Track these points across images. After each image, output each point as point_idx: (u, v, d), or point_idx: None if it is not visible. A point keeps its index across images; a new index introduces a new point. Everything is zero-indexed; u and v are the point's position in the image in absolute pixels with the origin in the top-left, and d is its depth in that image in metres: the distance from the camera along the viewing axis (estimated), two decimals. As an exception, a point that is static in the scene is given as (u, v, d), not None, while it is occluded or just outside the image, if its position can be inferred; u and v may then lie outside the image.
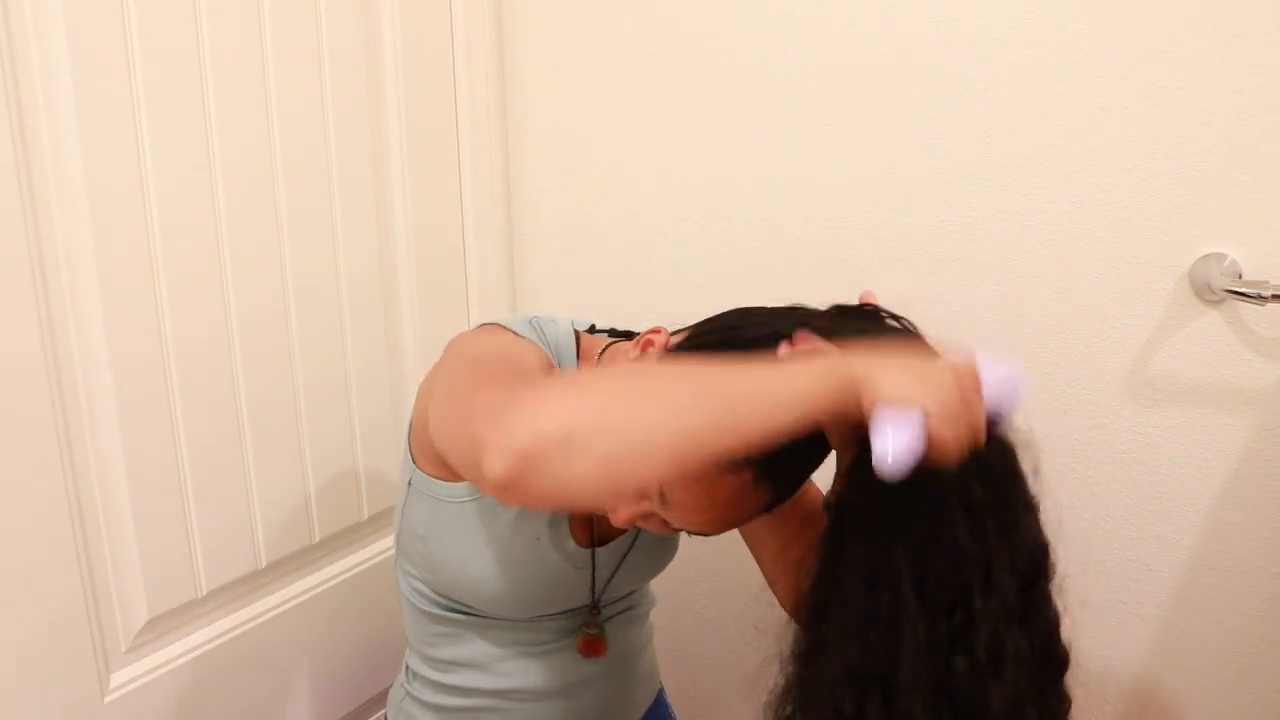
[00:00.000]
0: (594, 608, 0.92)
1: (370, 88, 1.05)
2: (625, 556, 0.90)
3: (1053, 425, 1.11)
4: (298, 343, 0.98)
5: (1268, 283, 0.97)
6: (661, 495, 0.70)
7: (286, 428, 0.98)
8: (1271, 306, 0.98)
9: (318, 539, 1.03)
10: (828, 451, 0.74)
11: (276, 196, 0.94)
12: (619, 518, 0.73)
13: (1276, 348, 1.02)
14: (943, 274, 1.11)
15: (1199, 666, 1.12)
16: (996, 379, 0.60)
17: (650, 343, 0.76)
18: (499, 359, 0.69)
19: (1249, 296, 0.96)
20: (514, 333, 0.77)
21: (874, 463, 0.54)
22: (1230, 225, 1.00)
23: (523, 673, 0.86)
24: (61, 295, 0.76)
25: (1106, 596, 1.13)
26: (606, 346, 0.82)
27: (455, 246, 1.22)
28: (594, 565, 0.88)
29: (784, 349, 0.65)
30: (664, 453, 0.52)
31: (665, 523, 0.73)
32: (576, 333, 0.83)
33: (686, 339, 0.74)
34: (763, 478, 0.69)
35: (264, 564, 0.97)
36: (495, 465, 0.51)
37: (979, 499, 0.65)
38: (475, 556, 0.80)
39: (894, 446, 0.54)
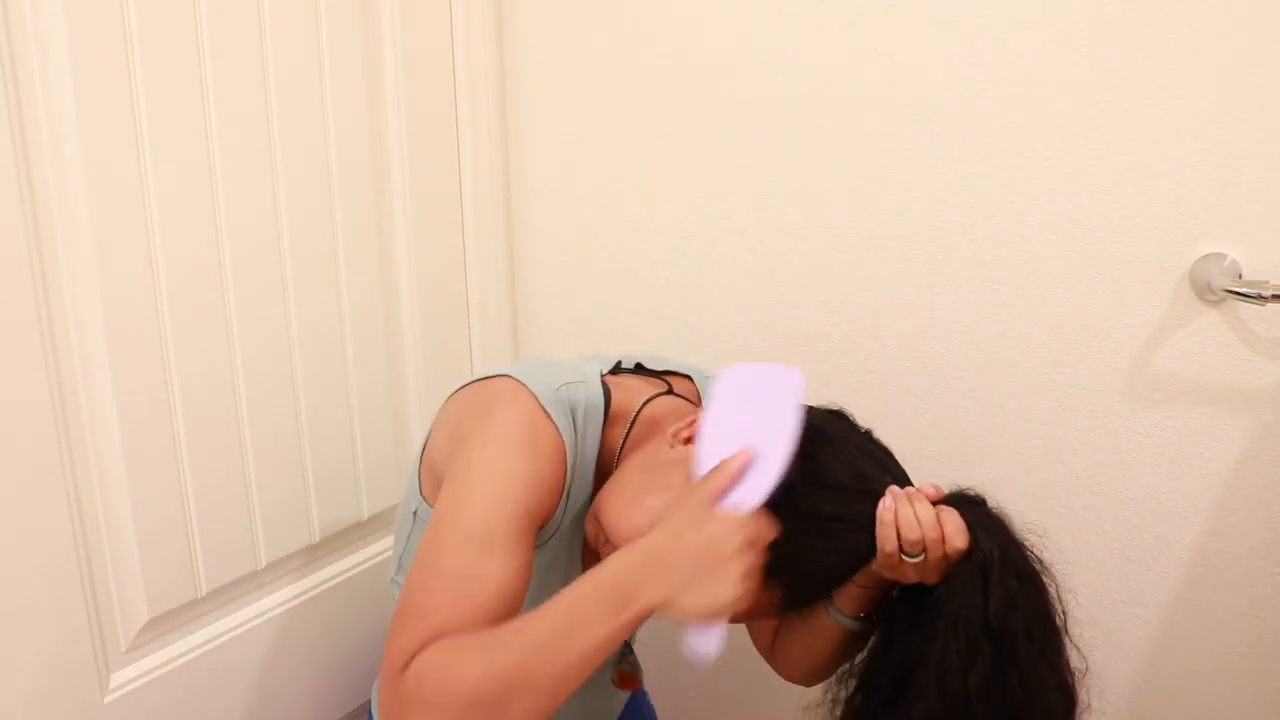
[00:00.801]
0: (627, 645, 0.93)
1: (370, 90, 1.05)
2: None
3: (1053, 425, 1.11)
4: (297, 339, 0.98)
5: (1268, 283, 0.97)
6: None
7: (286, 426, 0.98)
8: (1271, 306, 0.98)
9: (318, 539, 1.03)
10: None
11: (277, 200, 0.94)
12: None
13: (1276, 348, 1.02)
14: (943, 274, 1.11)
15: (1199, 666, 1.12)
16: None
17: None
18: (460, 562, 0.69)
19: (1249, 296, 0.96)
20: (543, 414, 0.74)
21: (688, 657, 0.65)
22: (1230, 225, 1.00)
23: None
24: (61, 298, 0.76)
25: (1107, 596, 1.13)
26: (642, 407, 0.81)
27: (455, 246, 1.22)
28: None
29: (886, 503, 0.70)
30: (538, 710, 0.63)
31: None
32: (607, 388, 0.81)
33: None
34: (787, 597, 0.72)
35: (264, 564, 0.97)
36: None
37: (1025, 648, 0.69)
38: None
39: (703, 651, 0.64)
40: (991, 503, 0.74)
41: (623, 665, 0.94)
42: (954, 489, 0.75)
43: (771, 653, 0.91)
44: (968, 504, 0.73)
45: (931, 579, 0.71)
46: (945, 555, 0.69)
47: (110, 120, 0.78)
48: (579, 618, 0.64)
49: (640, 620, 0.64)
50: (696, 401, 0.89)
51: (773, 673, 0.91)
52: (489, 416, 0.74)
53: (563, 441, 0.74)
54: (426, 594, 0.68)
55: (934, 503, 0.71)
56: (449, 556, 0.68)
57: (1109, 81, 1.01)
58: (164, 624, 0.88)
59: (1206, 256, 1.01)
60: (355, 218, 1.04)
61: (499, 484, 0.71)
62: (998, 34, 1.04)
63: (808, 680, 0.87)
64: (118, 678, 0.84)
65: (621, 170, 1.23)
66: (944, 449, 1.15)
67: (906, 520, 0.69)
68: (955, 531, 0.69)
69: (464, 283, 1.24)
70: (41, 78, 0.73)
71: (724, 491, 0.68)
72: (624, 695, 1.01)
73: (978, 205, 1.08)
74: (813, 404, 0.77)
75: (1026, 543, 0.73)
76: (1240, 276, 1.00)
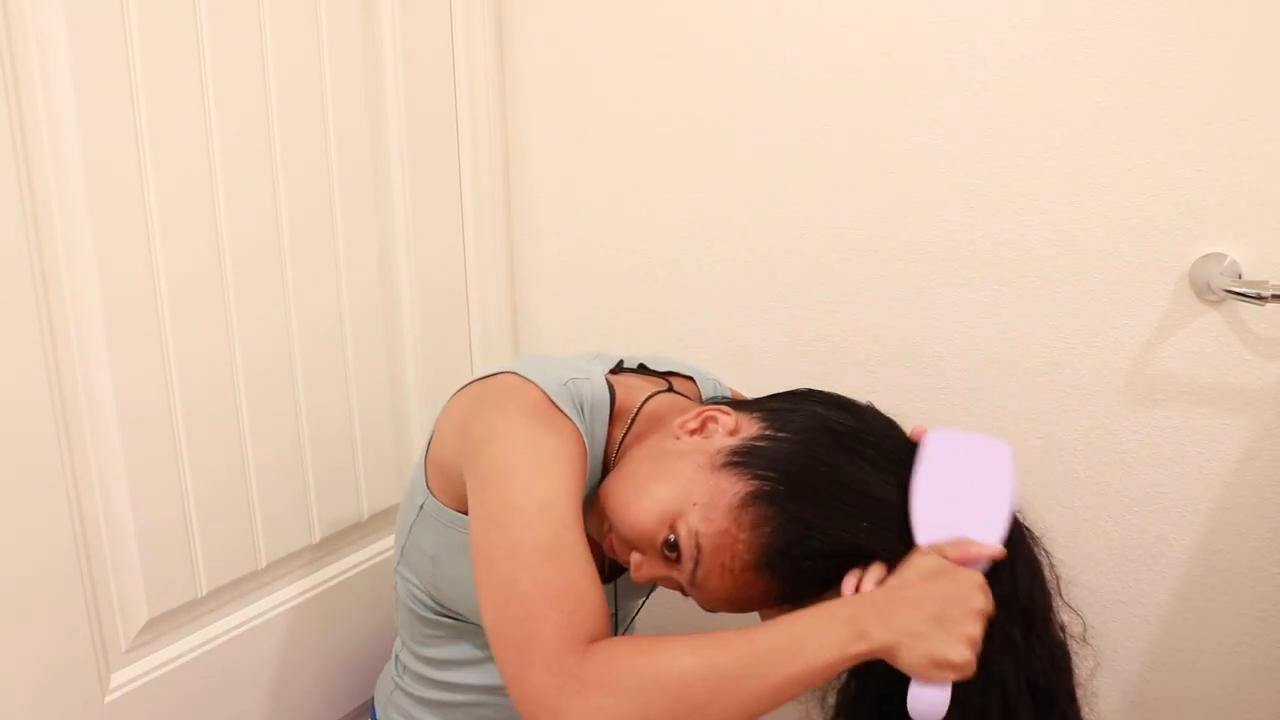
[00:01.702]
0: None
1: (370, 90, 1.05)
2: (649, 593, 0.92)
3: (1053, 425, 1.11)
4: (298, 340, 0.98)
5: (1267, 283, 0.97)
6: (693, 577, 0.71)
7: (287, 426, 0.98)
8: (1271, 306, 0.98)
9: (318, 539, 1.03)
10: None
11: (277, 200, 0.94)
12: (640, 576, 0.74)
13: (1276, 348, 1.02)
14: (943, 274, 1.11)
15: (1199, 666, 1.12)
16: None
17: (713, 419, 0.75)
18: (544, 536, 0.66)
19: (1249, 296, 0.96)
20: (553, 405, 0.74)
21: (910, 712, 0.63)
22: (1230, 225, 1.00)
23: None
24: (62, 298, 0.76)
25: (1107, 596, 1.13)
26: (644, 403, 0.81)
27: (455, 247, 1.22)
28: (616, 618, 0.89)
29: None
30: None
31: (681, 587, 0.74)
32: (611, 386, 0.81)
33: (765, 440, 0.73)
34: (788, 595, 0.71)
35: (264, 564, 0.97)
36: None
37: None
38: None
39: (929, 708, 0.62)
40: None
41: None
42: None
43: None
44: None
45: None
46: None
47: (110, 120, 0.78)
48: (807, 637, 0.61)
49: (864, 658, 0.62)
50: (698, 400, 0.89)
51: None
52: (500, 410, 0.74)
53: (577, 429, 0.75)
54: (537, 577, 0.64)
55: None
56: (532, 533, 0.66)
57: (1109, 81, 1.01)
58: (164, 624, 0.88)
59: (1206, 256, 1.01)
60: (355, 218, 1.04)
61: (538, 459, 0.70)
62: (998, 34, 1.04)
63: None
64: (118, 678, 0.84)
65: (621, 170, 1.23)
66: (944, 449, 1.15)
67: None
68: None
69: (464, 283, 1.24)
70: (41, 78, 0.73)
71: (961, 563, 0.66)
72: None
73: (978, 205, 1.08)
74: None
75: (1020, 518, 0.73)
76: (1240, 276, 1.00)
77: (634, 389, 0.83)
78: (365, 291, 1.07)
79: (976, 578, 0.65)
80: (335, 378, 1.04)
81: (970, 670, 0.62)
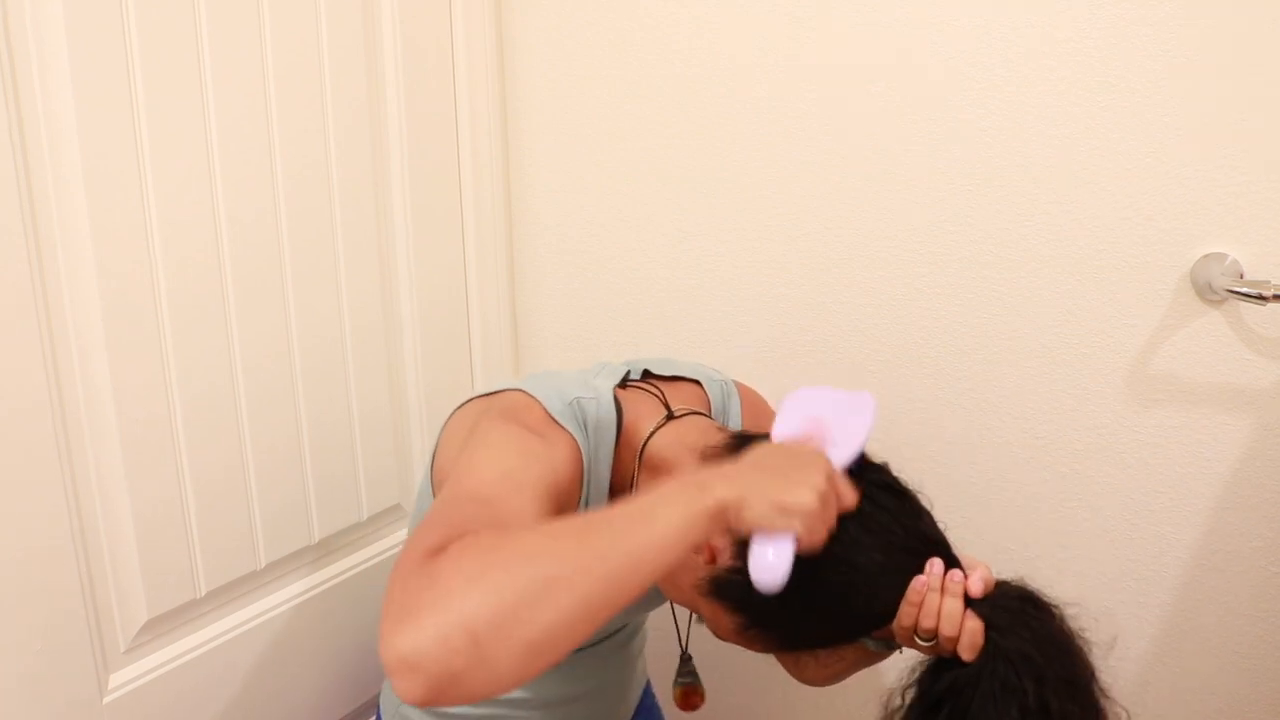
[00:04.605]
0: (685, 656, 0.96)
1: (370, 90, 1.05)
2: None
3: (1053, 425, 1.11)
4: (297, 338, 0.98)
5: (1269, 283, 0.97)
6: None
7: (286, 426, 0.98)
8: (1272, 306, 0.98)
9: (317, 539, 1.03)
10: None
11: (277, 199, 0.94)
12: None
13: (1277, 348, 1.02)
14: (943, 274, 1.11)
15: (1199, 666, 1.12)
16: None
17: (719, 549, 0.73)
18: (487, 486, 0.64)
19: (1250, 296, 0.96)
20: (554, 423, 0.74)
21: (752, 578, 0.62)
22: (1231, 225, 1.00)
23: (529, 684, 0.85)
24: (60, 298, 0.76)
25: (1107, 596, 1.13)
26: (646, 441, 0.80)
27: (455, 246, 1.22)
28: (676, 623, 0.93)
29: (920, 581, 0.68)
30: (569, 624, 0.53)
31: None
32: (619, 403, 0.80)
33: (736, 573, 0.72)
34: (754, 625, 0.71)
35: (263, 564, 0.97)
36: (409, 691, 0.50)
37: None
38: None
39: (768, 567, 0.62)
40: (1046, 600, 0.70)
41: (683, 680, 0.95)
42: (1016, 581, 0.71)
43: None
44: (1008, 603, 0.69)
45: (946, 655, 0.69)
46: (956, 654, 0.67)
47: (109, 120, 0.78)
48: (652, 505, 0.58)
49: (713, 519, 0.59)
50: (705, 407, 0.87)
51: (782, 685, 0.91)
52: (500, 418, 0.73)
53: (578, 446, 0.74)
54: (452, 508, 0.61)
55: (981, 597, 0.68)
56: (477, 481, 0.64)
57: (1109, 81, 1.01)
58: (163, 624, 0.88)
59: (1207, 256, 1.01)
60: (355, 218, 1.04)
61: (518, 447, 0.69)
62: (998, 34, 1.04)
63: (825, 684, 0.86)
64: (116, 678, 0.84)
65: (622, 171, 1.23)
66: (944, 449, 1.15)
67: (928, 610, 0.67)
68: (967, 645, 0.67)
69: (464, 281, 1.24)
70: (41, 77, 0.73)
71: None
72: (639, 692, 1.01)
73: (978, 205, 1.08)
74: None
75: (1064, 657, 0.69)
76: (1241, 276, 1.00)
77: (641, 415, 0.81)
78: (365, 291, 1.06)
79: (816, 449, 0.67)
80: (335, 377, 1.04)
81: (811, 513, 0.61)
